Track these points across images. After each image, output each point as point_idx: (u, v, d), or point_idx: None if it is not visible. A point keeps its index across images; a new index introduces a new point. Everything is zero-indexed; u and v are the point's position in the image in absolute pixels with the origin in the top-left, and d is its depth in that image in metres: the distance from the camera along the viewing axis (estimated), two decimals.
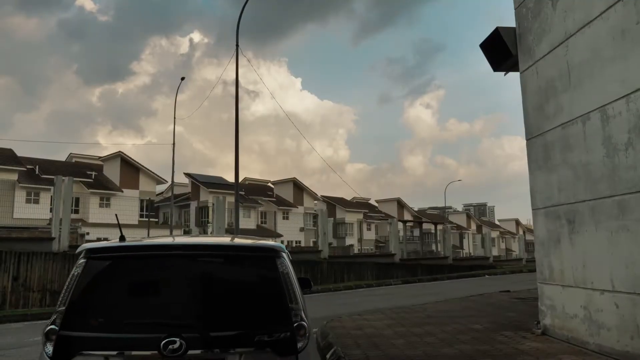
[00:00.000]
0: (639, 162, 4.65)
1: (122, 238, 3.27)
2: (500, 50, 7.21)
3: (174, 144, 30.30)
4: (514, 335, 6.50)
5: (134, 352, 2.75)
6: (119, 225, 3.69)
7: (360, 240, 47.63)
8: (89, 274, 2.97)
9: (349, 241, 52.87)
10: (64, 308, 2.87)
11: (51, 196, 16.47)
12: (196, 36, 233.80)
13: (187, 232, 42.69)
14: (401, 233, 34.00)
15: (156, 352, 2.69)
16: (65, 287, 2.95)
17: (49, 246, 15.46)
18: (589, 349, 5.34)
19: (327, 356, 5.95)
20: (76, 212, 35.33)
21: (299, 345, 2.91)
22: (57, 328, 2.83)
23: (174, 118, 31.41)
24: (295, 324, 2.93)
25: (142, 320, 2.87)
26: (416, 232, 52.27)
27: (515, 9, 7.09)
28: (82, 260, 3.02)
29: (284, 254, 3.24)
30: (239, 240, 3.60)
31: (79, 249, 3.12)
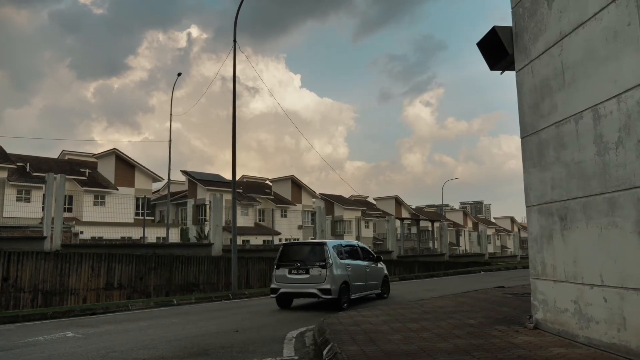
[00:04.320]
0: (629, 161, 4.75)
1: (287, 240, 9.30)
2: (497, 49, 7.28)
3: (170, 140, 30.33)
4: (508, 330, 6.62)
5: (289, 267, 11.52)
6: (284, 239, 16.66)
7: (358, 237, 47.73)
8: (283, 250, 12.12)
9: (347, 238, 53.00)
10: (278, 256, 11.91)
11: (43, 194, 16.32)
12: (194, 31, 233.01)
13: (184, 231, 42.69)
14: (399, 230, 34.11)
15: (291, 269, 11.50)
16: (277, 254, 12.01)
17: (40, 245, 15.28)
18: (579, 342, 5.46)
19: (324, 352, 6.02)
20: (69, 210, 35.22)
21: (327, 267, 11.13)
22: (277, 261, 11.86)
23: (171, 114, 31.32)
24: (327, 260, 11.19)
25: (292, 260, 11.70)
26: (414, 230, 52.43)
27: (512, 9, 7.16)
28: (281, 247, 12.38)
29: (328, 244, 11.64)
30: (316, 240, 18.36)
31: (281, 244, 14.64)
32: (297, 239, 48.26)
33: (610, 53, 5.06)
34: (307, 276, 11.17)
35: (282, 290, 11.42)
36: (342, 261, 11.66)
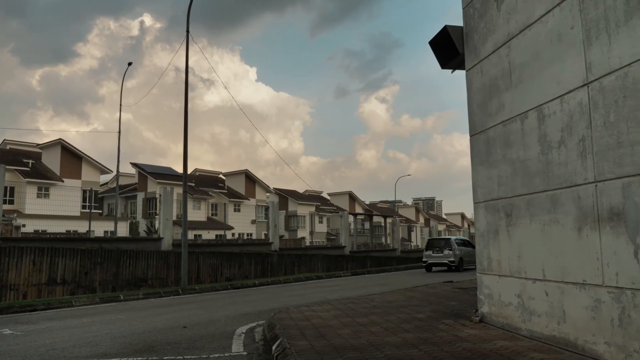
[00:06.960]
0: (570, 159, 4.93)
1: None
2: (448, 48, 7.39)
3: (119, 131, 29.19)
4: (454, 324, 6.77)
5: (432, 249, 23.36)
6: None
7: (311, 232, 47.90)
8: (429, 241, 24.71)
9: (300, 234, 53.07)
10: (426, 244, 24.77)
11: None
12: (147, 19, 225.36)
13: (133, 225, 41.39)
14: (352, 226, 34.40)
15: (433, 251, 23.28)
16: (425, 245, 24.73)
17: None
18: (521, 335, 5.65)
19: (273, 348, 5.95)
20: (11, 202, 33.36)
21: (452, 250, 22.81)
22: (425, 247, 24.44)
23: (120, 105, 30.16)
24: (452, 246, 22.89)
25: (433, 247, 23.52)
26: (367, 225, 53.09)
27: (463, 9, 7.28)
28: (427, 240, 25.66)
29: (452, 239, 24.11)
30: (445, 237, 30.57)
31: (428, 238, 29.11)
32: (251, 234, 48.14)
33: (555, 55, 5.23)
34: (441, 254, 22.63)
35: (428, 262, 23.01)
36: (459, 247, 22.96)
